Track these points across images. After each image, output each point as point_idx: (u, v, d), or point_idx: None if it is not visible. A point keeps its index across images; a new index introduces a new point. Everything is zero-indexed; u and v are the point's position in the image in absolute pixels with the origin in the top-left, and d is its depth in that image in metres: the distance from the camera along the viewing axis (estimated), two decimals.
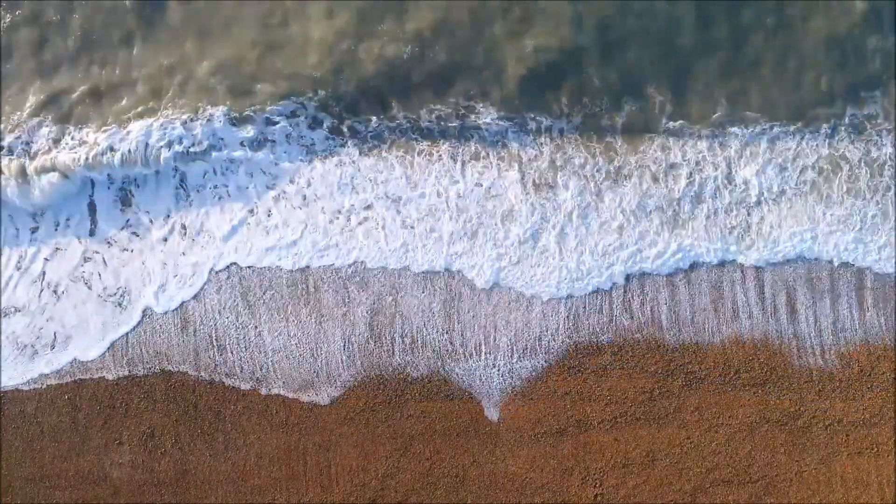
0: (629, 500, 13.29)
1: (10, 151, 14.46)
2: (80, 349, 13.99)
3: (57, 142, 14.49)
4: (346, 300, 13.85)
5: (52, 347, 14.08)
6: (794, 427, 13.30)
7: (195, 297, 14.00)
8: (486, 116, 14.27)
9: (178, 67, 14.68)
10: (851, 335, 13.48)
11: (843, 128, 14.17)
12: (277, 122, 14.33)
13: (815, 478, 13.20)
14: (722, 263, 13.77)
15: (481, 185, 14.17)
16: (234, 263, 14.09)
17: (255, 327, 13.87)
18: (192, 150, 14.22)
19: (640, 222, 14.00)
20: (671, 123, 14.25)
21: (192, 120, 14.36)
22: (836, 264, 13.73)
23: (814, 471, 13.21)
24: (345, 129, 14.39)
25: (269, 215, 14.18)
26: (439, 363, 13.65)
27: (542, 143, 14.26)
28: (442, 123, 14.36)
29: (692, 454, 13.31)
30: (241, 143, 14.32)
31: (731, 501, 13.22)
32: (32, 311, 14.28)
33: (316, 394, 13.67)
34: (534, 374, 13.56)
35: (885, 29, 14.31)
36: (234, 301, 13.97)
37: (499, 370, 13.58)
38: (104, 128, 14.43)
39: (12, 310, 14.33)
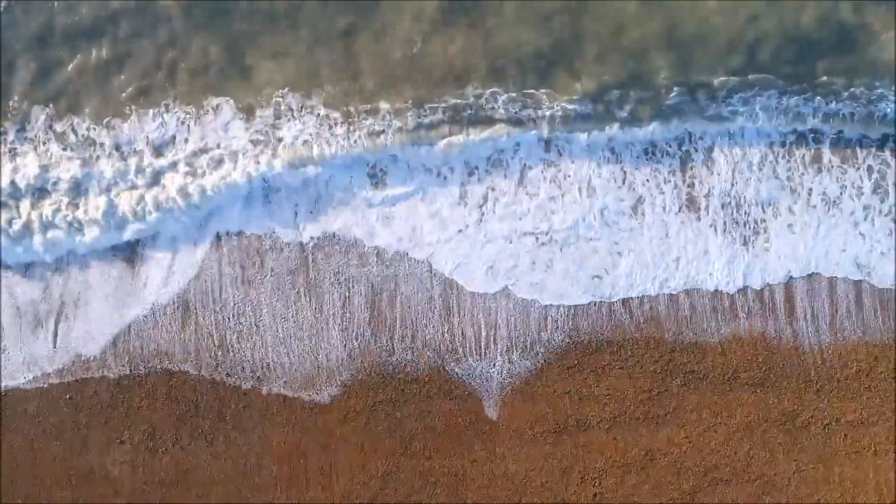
0: (628, 500, 13.34)
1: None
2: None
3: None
4: None
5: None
6: (792, 426, 13.33)
7: None
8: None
9: None
10: (850, 334, 13.50)
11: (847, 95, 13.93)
12: None
13: (813, 477, 13.23)
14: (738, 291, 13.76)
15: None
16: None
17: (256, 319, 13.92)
18: None
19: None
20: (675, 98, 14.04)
21: None
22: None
23: (812, 470, 13.25)
24: None
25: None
26: (439, 362, 13.69)
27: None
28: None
29: (691, 453, 13.35)
30: None
31: (729, 501, 13.26)
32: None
33: (316, 393, 13.71)
34: (533, 373, 13.60)
35: None
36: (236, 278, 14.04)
37: (498, 369, 13.62)
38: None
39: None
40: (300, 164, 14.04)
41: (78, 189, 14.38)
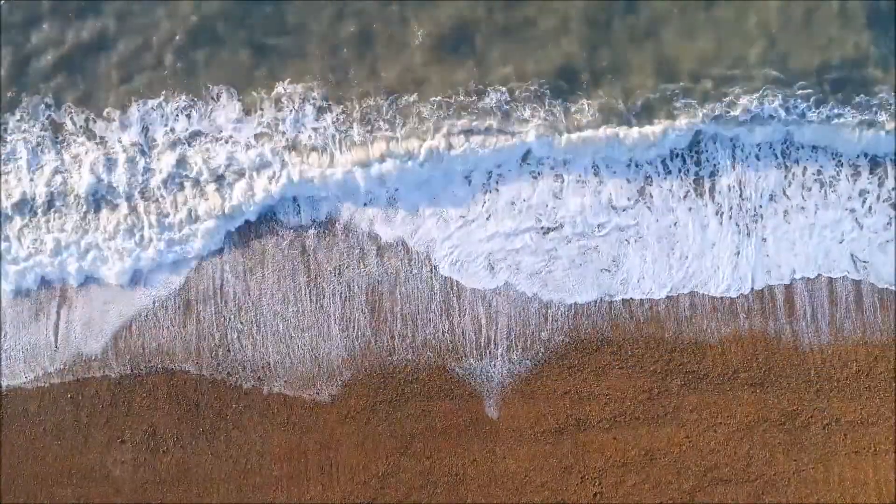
0: (628, 499, 13.35)
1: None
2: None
3: None
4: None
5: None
6: (792, 426, 13.35)
7: None
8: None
9: None
10: (850, 334, 13.52)
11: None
12: None
13: (813, 477, 13.25)
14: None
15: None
16: None
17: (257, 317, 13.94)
18: None
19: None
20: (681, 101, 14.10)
21: None
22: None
23: (812, 470, 13.26)
24: None
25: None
26: (440, 362, 13.71)
27: None
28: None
29: (691, 453, 13.36)
30: None
31: (729, 500, 13.27)
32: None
33: (317, 392, 13.72)
34: (534, 372, 13.61)
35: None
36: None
37: (498, 369, 13.64)
38: None
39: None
40: (316, 177, 14.02)
41: (93, 204, 14.24)
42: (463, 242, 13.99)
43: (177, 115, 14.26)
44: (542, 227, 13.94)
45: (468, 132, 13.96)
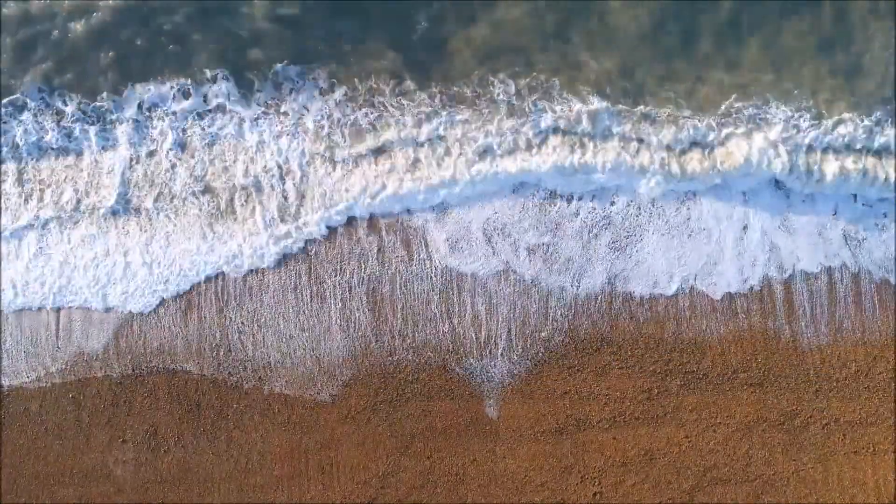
0: (628, 499, 13.37)
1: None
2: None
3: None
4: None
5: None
6: (791, 426, 13.38)
7: None
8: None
9: None
10: (849, 334, 13.55)
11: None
12: None
13: (812, 477, 13.27)
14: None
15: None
16: None
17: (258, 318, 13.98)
18: None
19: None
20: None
21: None
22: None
23: (811, 470, 13.28)
24: None
25: None
26: (440, 362, 13.74)
27: None
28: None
29: (690, 453, 13.39)
30: None
31: (728, 500, 13.29)
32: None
33: (318, 392, 13.76)
34: (534, 372, 13.64)
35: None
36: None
37: (498, 369, 13.67)
38: None
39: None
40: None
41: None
42: (461, 217, 13.94)
43: (175, 100, 14.08)
44: (548, 197, 13.90)
45: (500, 153, 13.89)
